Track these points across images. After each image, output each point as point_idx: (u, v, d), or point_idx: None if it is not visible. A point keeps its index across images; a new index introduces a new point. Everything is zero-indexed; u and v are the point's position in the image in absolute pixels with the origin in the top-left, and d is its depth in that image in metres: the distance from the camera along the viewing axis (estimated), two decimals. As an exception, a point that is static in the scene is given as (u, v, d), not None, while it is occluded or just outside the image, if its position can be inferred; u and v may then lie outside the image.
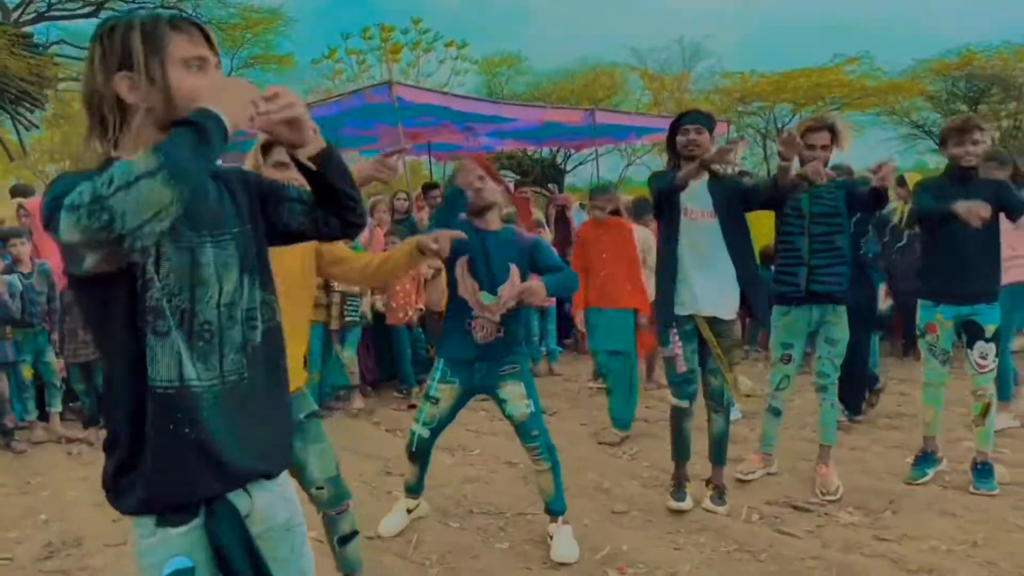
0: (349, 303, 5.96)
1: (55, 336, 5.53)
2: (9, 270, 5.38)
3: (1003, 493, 3.99)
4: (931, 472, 4.23)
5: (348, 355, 6.09)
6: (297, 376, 2.65)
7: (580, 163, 26.75)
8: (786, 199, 3.92)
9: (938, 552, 3.39)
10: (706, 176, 3.81)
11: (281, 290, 2.33)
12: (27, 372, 5.50)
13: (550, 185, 24.29)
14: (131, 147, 1.44)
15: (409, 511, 3.82)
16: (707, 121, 3.82)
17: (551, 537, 3.52)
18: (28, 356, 5.47)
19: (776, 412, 4.35)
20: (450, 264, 3.41)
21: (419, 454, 3.64)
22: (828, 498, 4.01)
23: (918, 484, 4.16)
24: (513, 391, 3.44)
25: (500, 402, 3.49)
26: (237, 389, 1.50)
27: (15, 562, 3.65)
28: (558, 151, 24.71)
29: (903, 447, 4.70)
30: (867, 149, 25.55)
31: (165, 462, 1.42)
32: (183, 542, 1.46)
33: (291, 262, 2.59)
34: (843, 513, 3.87)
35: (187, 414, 1.43)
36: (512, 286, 3.34)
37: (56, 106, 19.74)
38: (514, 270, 3.37)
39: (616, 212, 5.86)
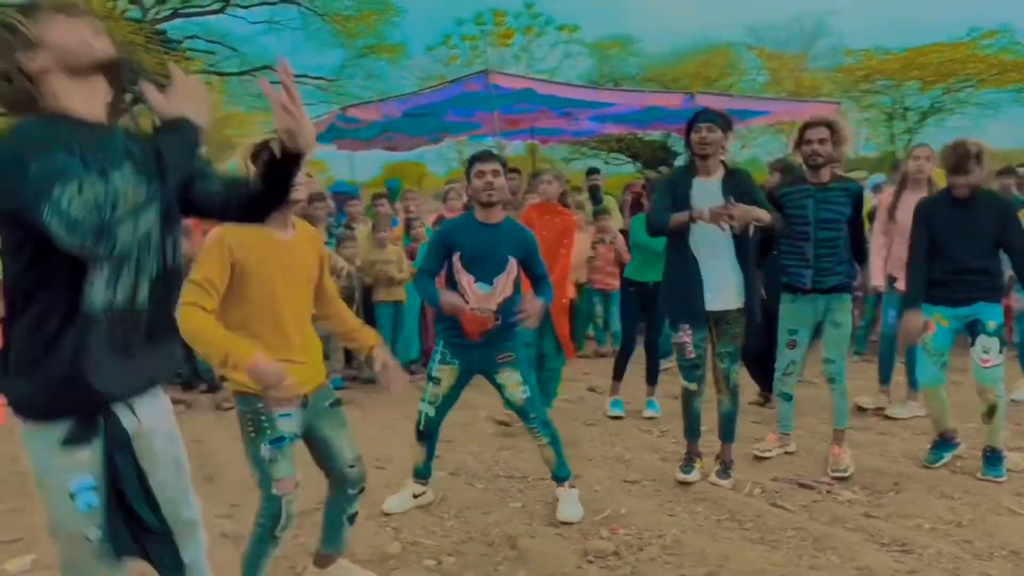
0: None
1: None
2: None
3: (1009, 480, 4.05)
4: (947, 456, 4.33)
5: None
6: (319, 370, 2.91)
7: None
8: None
9: (920, 530, 3.54)
10: (721, 174, 4.00)
11: (299, 286, 2.76)
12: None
13: (660, 168, 24.19)
14: (52, 99, 1.76)
15: (415, 496, 4.00)
16: (721, 120, 3.99)
17: (558, 500, 3.87)
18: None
19: (787, 397, 4.53)
20: (451, 255, 3.70)
21: (427, 433, 3.92)
22: (837, 474, 4.21)
23: (932, 468, 4.27)
24: (509, 378, 3.72)
25: (498, 387, 3.77)
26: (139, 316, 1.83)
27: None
28: (669, 134, 24.59)
29: (930, 433, 4.75)
30: (1008, 128, 24.16)
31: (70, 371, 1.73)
32: (87, 462, 1.79)
33: (307, 260, 2.83)
34: (846, 492, 4.05)
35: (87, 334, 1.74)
36: (508, 278, 3.65)
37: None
38: (512, 263, 3.68)
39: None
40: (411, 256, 6.95)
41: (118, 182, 1.64)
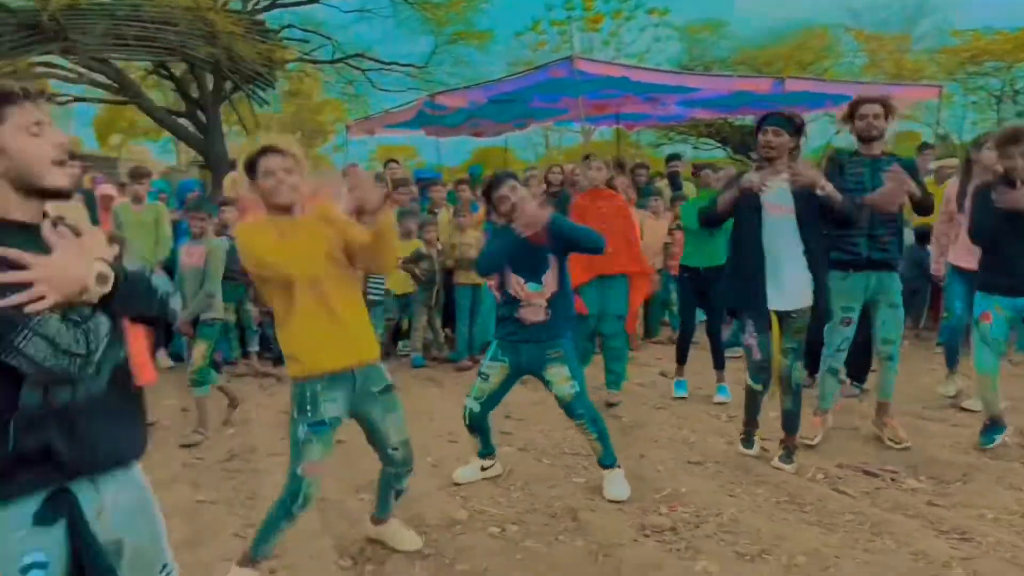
0: (371, 281, 6.59)
1: (252, 289, 6.68)
2: (220, 233, 6.56)
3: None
4: (999, 438, 4.40)
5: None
6: (369, 347, 3.03)
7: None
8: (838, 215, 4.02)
9: (982, 519, 3.53)
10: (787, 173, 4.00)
11: (331, 273, 2.88)
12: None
13: (752, 154, 23.79)
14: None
15: (484, 468, 4.22)
16: (788, 124, 4.00)
17: (604, 480, 4.00)
18: (232, 304, 6.66)
19: (835, 372, 4.60)
20: (500, 258, 3.83)
21: (475, 427, 4.10)
22: (904, 446, 4.39)
23: (988, 450, 4.36)
24: (558, 373, 3.83)
25: (546, 383, 3.89)
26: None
27: (204, 462, 4.69)
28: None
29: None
30: None
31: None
32: (43, 538, 1.67)
33: (318, 240, 2.87)
34: (912, 480, 4.05)
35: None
36: (552, 273, 3.81)
37: (288, 83, 22.01)
38: (552, 260, 3.81)
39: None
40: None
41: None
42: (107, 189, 7.49)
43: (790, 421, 4.28)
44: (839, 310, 4.41)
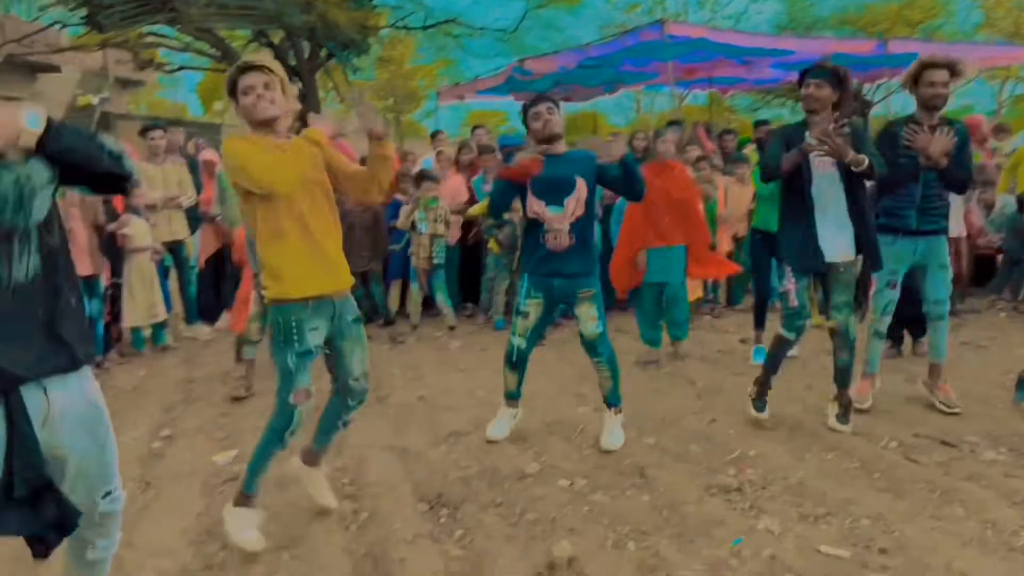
0: (437, 245, 6.74)
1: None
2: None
3: None
4: None
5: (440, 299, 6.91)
6: (346, 274, 3.07)
7: (895, 91, 24.74)
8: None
9: (1060, 493, 3.48)
10: (831, 125, 3.97)
11: (314, 195, 2.94)
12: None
13: (854, 117, 22.92)
14: None
15: (513, 417, 4.35)
16: (830, 76, 3.97)
17: (604, 425, 4.23)
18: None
19: (880, 336, 4.60)
20: (522, 190, 3.98)
21: (518, 363, 4.25)
22: (954, 411, 4.44)
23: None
24: (587, 312, 4.03)
25: (576, 318, 4.08)
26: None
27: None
28: (861, 84, 23.15)
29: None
30: None
31: None
32: None
33: (303, 167, 2.90)
34: (992, 452, 3.98)
35: None
36: (578, 198, 3.89)
37: (381, 50, 22.34)
38: (580, 183, 3.91)
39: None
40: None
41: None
42: (209, 155, 7.87)
43: (844, 376, 4.32)
44: (885, 272, 4.40)
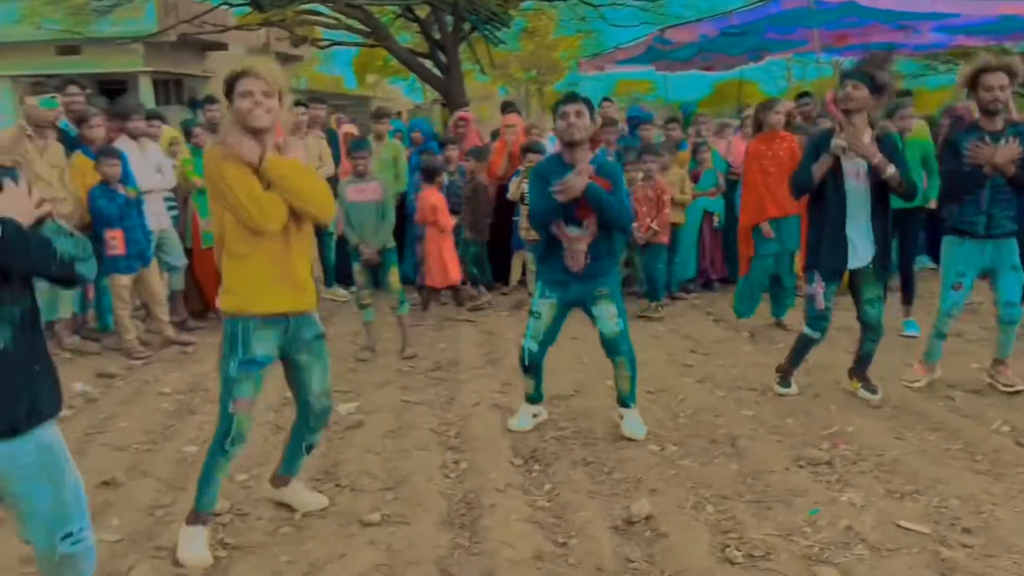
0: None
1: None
2: (444, 169, 7.17)
3: None
4: None
5: None
6: (311, 295, 2.99)
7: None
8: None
9: None
10: (869, 136, 4.02)
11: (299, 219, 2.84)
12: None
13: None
14: None
15: (534, 416, 4.23)
16: (868, 80, 3.95)
17: (621, 418, 4.10)
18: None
19: (942, 336, 4.55)
20: (547, 201, 3.78)
21: (531, 367, 4.10)
22: (1016, 389, 4.41)
23: None
24: (606, 310, 3.90)
25: (593, 318, 3.96)
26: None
27: (415, 370, 5.36)
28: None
29: None
30: None
31: None
32: None
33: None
34: (1114, 443, 3.81)
35: None
36: (579, 173, 3.65)
37: (526, 22, 22.56)
38: (587, 167, 3.71)
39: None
40: (694, 180, 7.22)
41: None
42: (349, 128, 8.39)
43: (866, 361, 4.46)
44: (952, 274, 4.37)
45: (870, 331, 4.38)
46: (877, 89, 3.96)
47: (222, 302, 2.91)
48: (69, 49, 20.41)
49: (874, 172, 4.01)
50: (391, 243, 5.62)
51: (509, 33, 19.93)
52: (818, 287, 4.28)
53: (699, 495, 3.39)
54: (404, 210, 7.28)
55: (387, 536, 3.10)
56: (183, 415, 4.50)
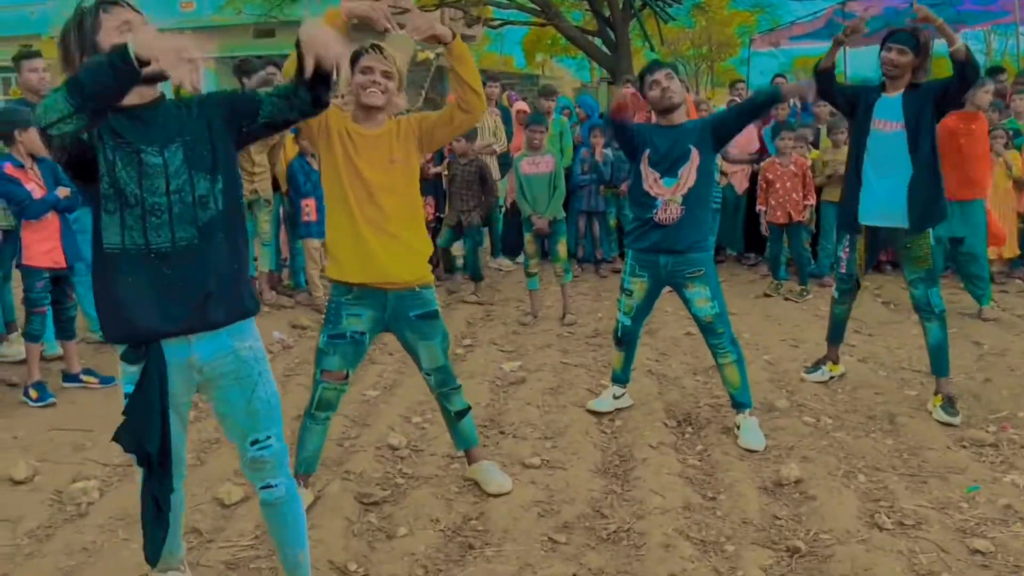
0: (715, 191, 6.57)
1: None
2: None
3: None
4: None
5: None
6: (417, 268, 3.01)
7: None
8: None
9: None
10: (903, 89, 3.86)
11: (399, 192, 2.94)
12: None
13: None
14: None
15: (616, 397, 4.12)
16: (915, 42, 3.79)
17: (737, 427, 3.77)
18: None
19: None
20: (634, 160, 3.78)
21: (624, 341, 4.00)
22: None
23: None
24: (699, 293, 3.70)
25: (685, 301, 3.78)
26: (186, 254, 2.06)
27: (574, 336, 5.60)
28: None
29: None
30: None
31: (113, 305, 2.07)
32: (134, 375, 2.13)
33: (401, 177, 2.96)
34: None
35: (135, 269, 2.04)
36: (691, 167, 3.63)
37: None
38: (694, 152, 3.64)
39: None
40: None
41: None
42: (521, 105, 8.71)
43: (937, 358, 4.01)
44: None
45: (920, 316, 4.03)
46: (920, 51, 3.81)
47: (327, 269, 3.05)
48: (265, 32, 22.00)
49: (914, 114, 3.80)
50: (561, 214, 5.86)
51: (680, 9, 19.70)
52: (844, 250, 4.18)
53: (851, 465, 3.44)
54: (568, 184, 7.51)
55: (546, 478, 3.37)
56: (365, 364, 4.95)
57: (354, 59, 2.84)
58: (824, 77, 4.01)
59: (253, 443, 2.24)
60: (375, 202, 2.90)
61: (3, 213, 4.63)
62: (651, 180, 3.70)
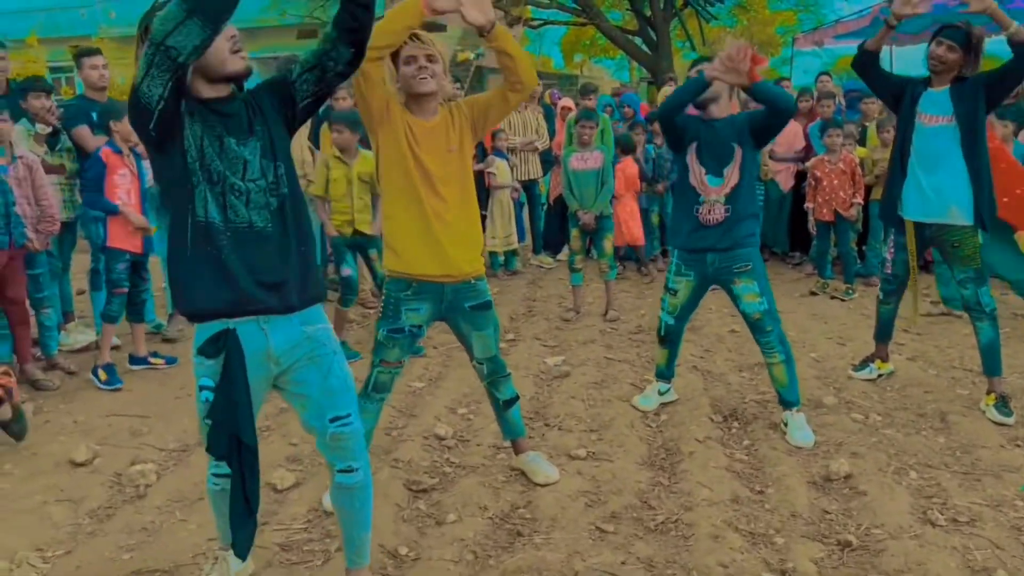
0: None
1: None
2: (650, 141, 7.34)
3: None
4: None
5: None
6: (474, 258, 3.05)
7: None
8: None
9: None
10: (950, 83, 3.80)
11: (458, 181, 2.97)
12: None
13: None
14: (193, 91, 2.10)
15: (660, 393, 4.12)
16: (965, 39, 3.71)
17: (785, 424, 3.72)
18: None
19: None
20: (680, 155, 3.74)
21: (667, 339, 3.98)
22: None
23: None
24: (747, 288, 3.63)
25: (734, 298, 3.71)
26: (262, 235, 2.14)
27: (617, 332, 5.61)
28: None
29: None
30: None
31: (191, 276, 2.12)
32: (212, 368, 2.16)
33: (458, 166, 2.98)
34: None
35: (214, 242, 2.10)
36: (735, 166, 3.59)
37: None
38: (737, 151, 3.60)
39: None
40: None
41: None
42: (566, 102, 8.71)
43: (989, 357, 3.93)
44: None
45: (971, 316, 3.95)
46: (971, 49, 3.72)
47: (386, 260, 3.04)
48: (309, 33, 22.27)
49: (963, 108, 3.71)
50: (608, 210, 5.85)
51: (722, 8, 19.57)
52: (889, 249, 4.15)
53: (902, 462, 3.40)
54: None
55: (592, 469, 3.39)
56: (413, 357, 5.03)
57: (394, 54, 2.86)
58: (867, 56, 3.94)
59: (333, 420, 2.28)
60: (437, 193, 2.92)
61: (64, 206, 4.77)
62: (698, 176, 3.68)
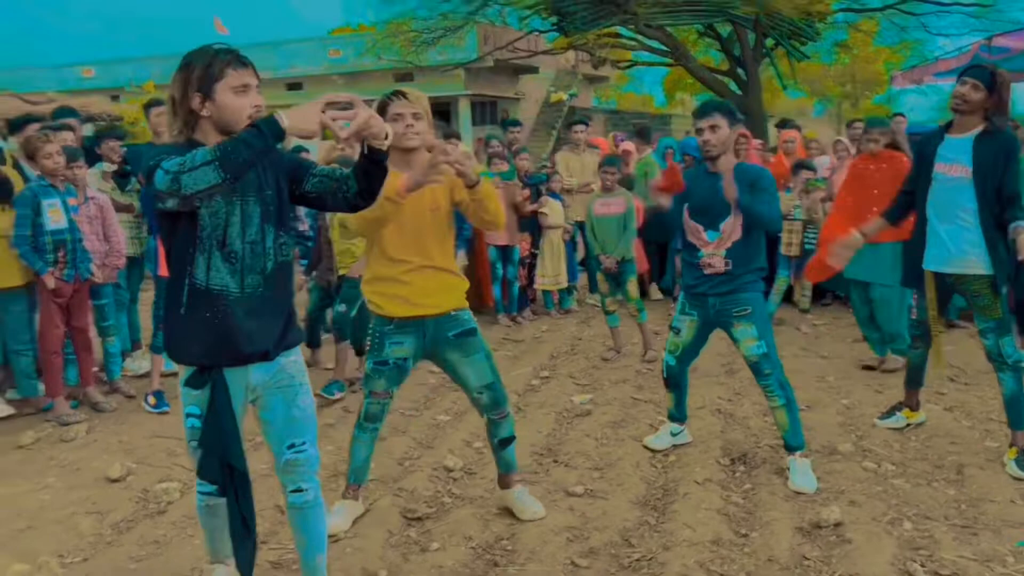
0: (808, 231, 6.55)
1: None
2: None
3: None
4: None
5: None
6: (453, 297, 3.18)
7: None
8: None
9: None
10: (978, 130, 3.68)
11: (439, 233, 3.11)
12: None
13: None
14: (202, 136, 2.25)
15: (673, 434, 4.14)
16: (991, 79, 3.59)
17: (788, 469, 3.71)
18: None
19: None
20: (679, 207, 3.77)
21: (671, 381, 4.04)
22: None
23: None
24: (745, 332, 3.66)
25: (734, 341, 3.75)
26: (252, 299, 2.31)
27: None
28: None
29: None
30: None
31: (185, 334, 2.32)
32: (198, 398, 2.37)
33: (435, 224, 3.11)
34: None
35: (208, 306, 2.28)
36: (735, 221, 3.60)
37: (846, 35, 21.47)
38: (735, 208, 3.58)
39: (892, 145, 5.34)
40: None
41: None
42: (627, 146, 8.84)
43: (1013, 409, 3.79)
44: None
45: (993, 366, 3.84)
46: (997, 89, 3.60)
47: (369, 303, 3.21)
48: (404, 76, 23.23)
49: (981, 159, 3.63)
50: (630, 254, 5.91)
51: (820, 46, 19.29)
52: (915, 297, 4.07)
53: (900, 512, 3.34)
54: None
55: (584, 506, 3.47)
56: (441, 390, 5.20)
57: (382, 109, 3.02)
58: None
59: (290, 447, 2.47)
60: (417, 245, 3.09)
61: (131, 242, 5.22)
62: (695, 232, 3.75)
